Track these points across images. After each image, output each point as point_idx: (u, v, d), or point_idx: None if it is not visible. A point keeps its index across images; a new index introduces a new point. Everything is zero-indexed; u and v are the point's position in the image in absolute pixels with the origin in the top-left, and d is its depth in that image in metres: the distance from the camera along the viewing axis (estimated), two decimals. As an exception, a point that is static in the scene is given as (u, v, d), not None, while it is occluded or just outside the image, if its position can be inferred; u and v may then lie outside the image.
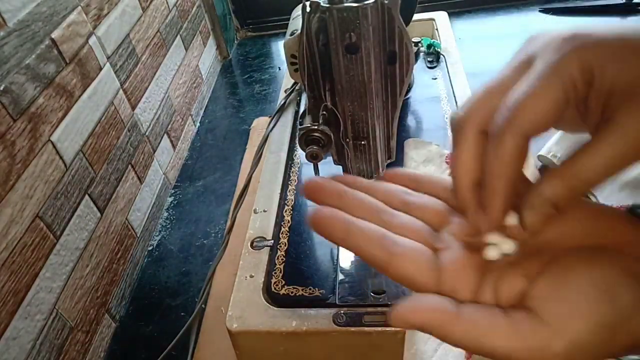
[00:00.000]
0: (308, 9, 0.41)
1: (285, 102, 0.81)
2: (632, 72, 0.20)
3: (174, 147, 1.02)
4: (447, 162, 0.55)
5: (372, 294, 0.51)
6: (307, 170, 0.69)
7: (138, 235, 0.84)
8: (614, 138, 0.20)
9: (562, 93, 0.21)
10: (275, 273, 0.55)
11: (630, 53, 0.20)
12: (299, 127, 0.46)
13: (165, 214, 0.94)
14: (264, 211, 0.62)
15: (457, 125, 0.25)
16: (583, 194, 0.22)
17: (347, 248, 0.24)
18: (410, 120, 0.76)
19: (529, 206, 0.22)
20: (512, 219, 0.23)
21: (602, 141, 0.20)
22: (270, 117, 0.81)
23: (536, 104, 0.21)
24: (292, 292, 0.53)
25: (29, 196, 0.59)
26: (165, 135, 0.99)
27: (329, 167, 0.54)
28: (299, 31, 0.42)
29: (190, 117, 1.12)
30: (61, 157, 0.65)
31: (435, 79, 0.83)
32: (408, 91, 0.80)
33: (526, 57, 0.23)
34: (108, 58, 0.78)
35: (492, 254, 0.24)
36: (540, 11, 1.32)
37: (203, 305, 0.68)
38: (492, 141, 0.23)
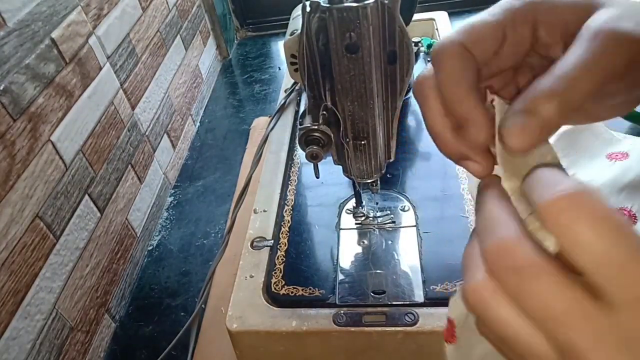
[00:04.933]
0: (308, 9, 0.41)
1: (285, 102, 0.81)
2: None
3: (173, 147, 1.02)
4: None
5: (372, 294, 0.51)
6: (307, 170, 0.69)
7: (138, 235, 0.84)
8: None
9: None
10: (275, 273, 0.55)
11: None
12: (299, 127, 0.46)
13: (165, 214, 0.94)
14: (264, 211, 0.62)
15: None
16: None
17: None
18: (410, 120, 0.76)
19: (522, 127, 0.20)
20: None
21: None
22: (270, 117, 0.81)
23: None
24: (292, 292, 0.53)
25: (29, 196, 0.59)
26: (165, 135, 0.99)
27: (329, 167, 0.54)
28: (299, 31, 0.42)
29: (190, 117, 1.12)
30: (61, 157, 0.65)
31: (435, 79, 0.82)
32: (408, 91, 0.80)
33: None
34: (108, 58, 0.78)
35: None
36: (540, 11, 1.32)
37: (203, 305, 0.68)
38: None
